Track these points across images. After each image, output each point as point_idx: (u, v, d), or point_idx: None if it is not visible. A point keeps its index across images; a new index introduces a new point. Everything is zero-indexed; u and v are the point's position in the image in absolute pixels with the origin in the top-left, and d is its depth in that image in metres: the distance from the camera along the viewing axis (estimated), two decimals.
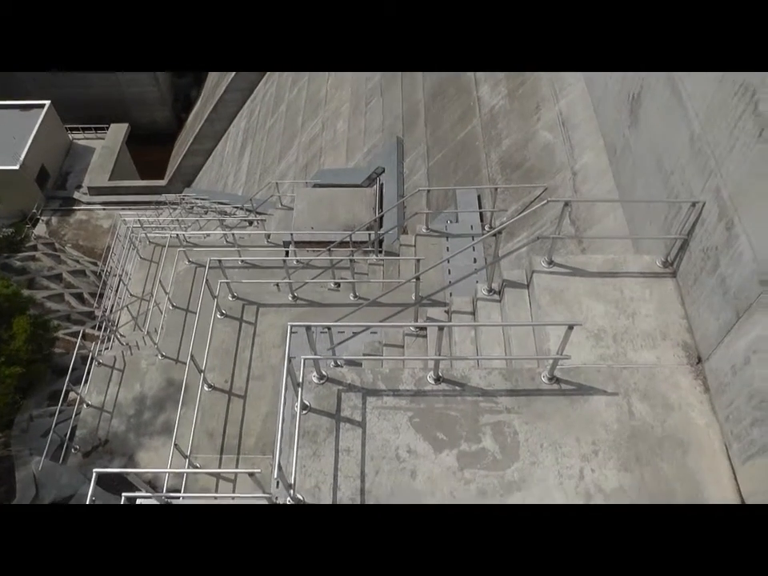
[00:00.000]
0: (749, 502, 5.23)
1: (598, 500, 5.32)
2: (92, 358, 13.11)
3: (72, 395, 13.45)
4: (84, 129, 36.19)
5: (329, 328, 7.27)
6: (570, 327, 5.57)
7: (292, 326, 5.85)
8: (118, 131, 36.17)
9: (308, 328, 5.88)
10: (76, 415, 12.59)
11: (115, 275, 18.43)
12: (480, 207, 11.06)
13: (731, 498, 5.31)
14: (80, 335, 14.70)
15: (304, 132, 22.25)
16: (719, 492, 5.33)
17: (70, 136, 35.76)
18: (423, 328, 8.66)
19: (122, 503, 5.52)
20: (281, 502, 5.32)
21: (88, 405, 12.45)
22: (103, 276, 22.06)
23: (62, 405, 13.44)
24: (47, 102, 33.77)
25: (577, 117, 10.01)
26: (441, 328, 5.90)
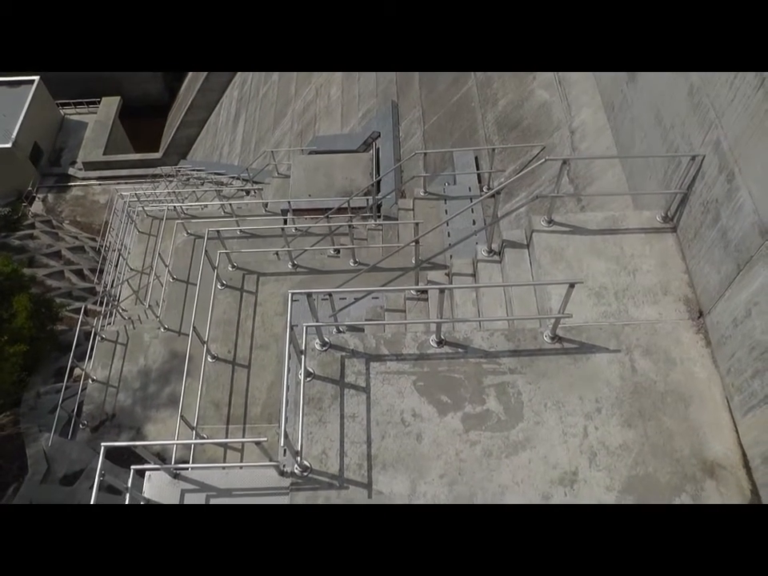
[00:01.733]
0: (749, 452, 5.28)
1: (602, 456, 5.36)
2: (95, 334, 13.16)
3: (77, 371, 13.52)
4: (75, 104, 35.79)
5: (330, 294, 7.28)
6: (572, 285, 5.56)
7: (293, 294, 5.85)
8: (110, 105, 35.79)
9: (309, 295, 5.88)
10: (82, 391, 12.68)
11: (114, 250, 18.39)
12: (477, 168, 10.97)
13: (733, 449, 5.35)
14: (82, 311, 14.73)
15: (298, 99, 22.01)
16: (721, 444, 5.38)
17: (62, 111, 35.38)
18: (424, 291, 8.65)
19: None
20: (288, 470, 5.37)
21: (93, 380, 12.52)
22: (102, 251, 22.00)
23: (67, 381, 13.52)
24: (36, 78, 33.32)
25: (573, 74, 9.87)
26: (442, 291, 5.89)
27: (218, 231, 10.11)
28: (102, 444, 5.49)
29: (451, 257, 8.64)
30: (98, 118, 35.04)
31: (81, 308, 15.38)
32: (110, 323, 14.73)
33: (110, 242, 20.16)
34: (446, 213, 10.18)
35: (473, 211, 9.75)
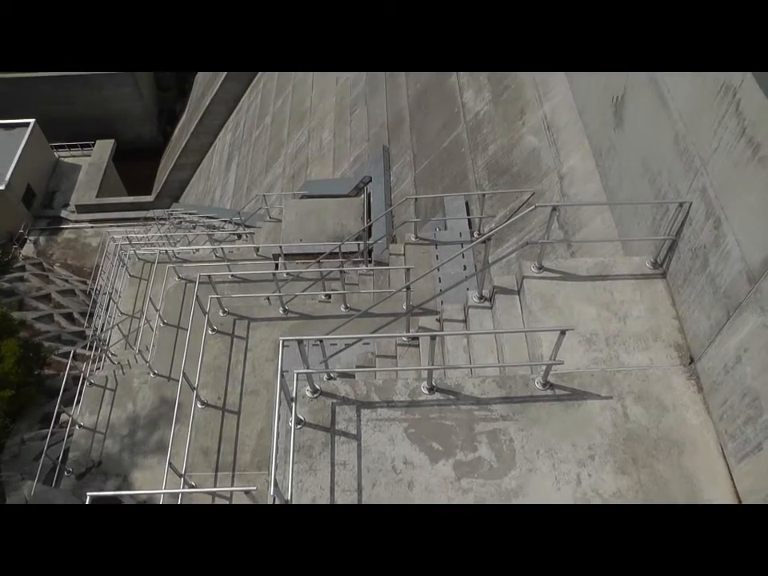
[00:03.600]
0: (745, 500, 5.23)
1: (596, 503, 5.30)
2: (83, 379, 13.02)
3: (64, 417, 13.36)
4: (70, 146, 36.05)
5: (321, 341, 7.26)
6: (563, 332, 5.56)
7: (284, 341, 5.82)
8: (104, 148, 36.06)
9: (300, 342, 5.85)
10: (68, 437, 12.49)
11: (105, 293, 18.33)
12: (468, 214, 11.06)
13: (728, 497, 5.30)
14: (71, 356, 14.60)
15: (290, 143, 22.26)
16: (716, 491, 5.33)
17: (56, 154, 35.61)
18: (415, 338, 8.63)
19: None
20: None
21: (80, 426, 12.34)
22: (93, 295, 21.93)
23: (53, 427, 13.33)
24: (32, 121, 33.62)
25: (561, 120, 10.04)
26: (433, 337, 5.88)
27: (209, 276, 10.11)
28: (88, 493, 5.41)
29: (442, 302, 8.65)
30: (92, 160, 35.26)
31: (70, 352, 15.26)
32: (98, 368, 14.60)
33: (100, 286, 20.10)
34: (437, 258, 10.22)
35: (463, 257, 9.79)
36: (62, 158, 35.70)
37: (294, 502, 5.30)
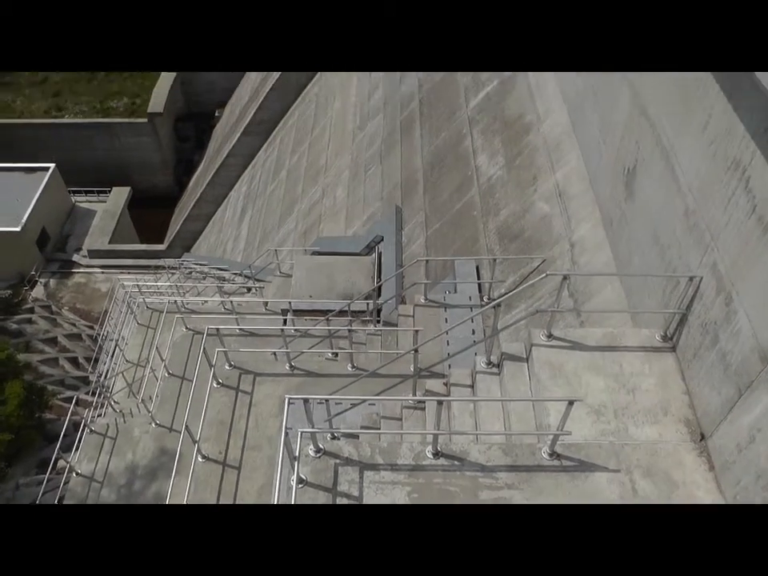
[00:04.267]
0: None
1: None
2: (84, 425, 12.92)
3: (62, 463, 13.21)
4: (87, 192, 36.68)
5: (326, 400, 7.21)
6: (571, 403, 5.51)
7: (290, 399, 5.79)
8: (119, 195, 36.64)
9: (306, 401, 5.82)
10: (64, 484, 12.33)
11: (111, 340, 18.34)
12: (478, 278, 11.11)
13: None
14: (73, 401, 14.54)
15: (304, 199, 22.56)
16: None
17: (73, 199, 36.20)
18: (422, 401, 8.56)
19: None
20: None
21: (78, 473, 12.19)
22: (99, 340, 21.93)
23: (50, 473, 13.18)
24: (52, 165, 34.31)
25: (573, 188, 10.16)
26: (440, 402, 5.84)
27: (217, 329, 10.12)
28: None
29: (450, 366, 8.61)
30: (107, 207, 35.79)
31: (72, 398, 15.20)
32: (100, 415, 14.51)
33: (107, 332, 20.13)
34: (446, 321, 10.22)
35: (473, 321, 9.79)
36: (78, 203, 36.27)
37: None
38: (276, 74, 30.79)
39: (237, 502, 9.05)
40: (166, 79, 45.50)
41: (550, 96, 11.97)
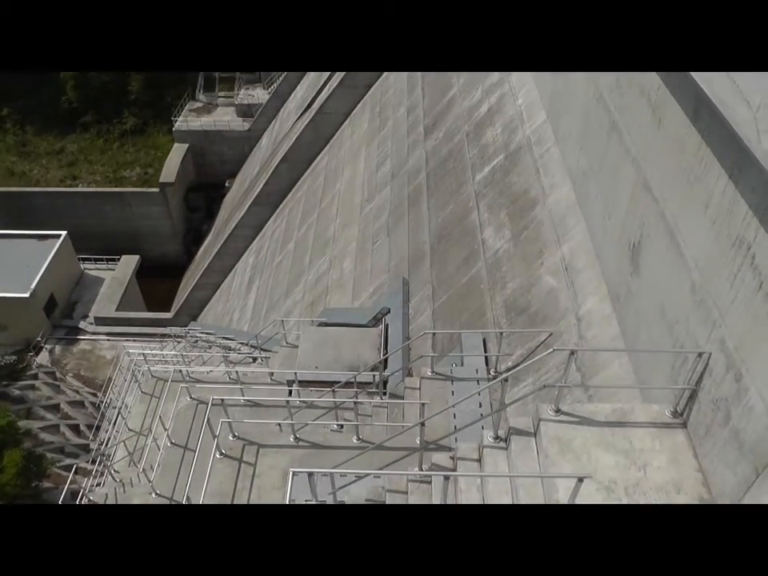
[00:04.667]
0: None
1: None
2: (82, 495, 12.69)
3: None
4: (96, 260, 37.12)
5: (331, 473, 7.10)
6: (580, 480, 5.42)
7: (294, 472, 5.71)
8: (128, 263, 37.05)
9: (310, 474, 5.73)
10: None
11: (114, 408, 18.20)
12: (485, 351, 11.08)
13: None
14: (72, 470, 14.33)
15: (311, 270, 22.76)
16: None
17: (82, 266, 36.60)
18: (428, 475, 8.42)
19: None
20: None
21: None
22: (102, 408, 21.78)
23: None
24: (63, 233, 34.84)
25: (579, 262, 10.24)
26: (446, 477, 5.74)
27: (222, 399, 10.05)
28: None
29: (456, 440, 8.50)
30: (116, 274, 36.13)
31: (71, 466, 14.97)
32: (99, 484, 14.27)
33: (110, 399, 20.01)
34: (453, 394, 10.15)
35: (480, 395, 9.73)
36: (87, 271, 36.65)
37: None
38: (285, 146, 31.57)
39: None
40: (178, 150, 46.67)
41: (554, 171, 12.21)
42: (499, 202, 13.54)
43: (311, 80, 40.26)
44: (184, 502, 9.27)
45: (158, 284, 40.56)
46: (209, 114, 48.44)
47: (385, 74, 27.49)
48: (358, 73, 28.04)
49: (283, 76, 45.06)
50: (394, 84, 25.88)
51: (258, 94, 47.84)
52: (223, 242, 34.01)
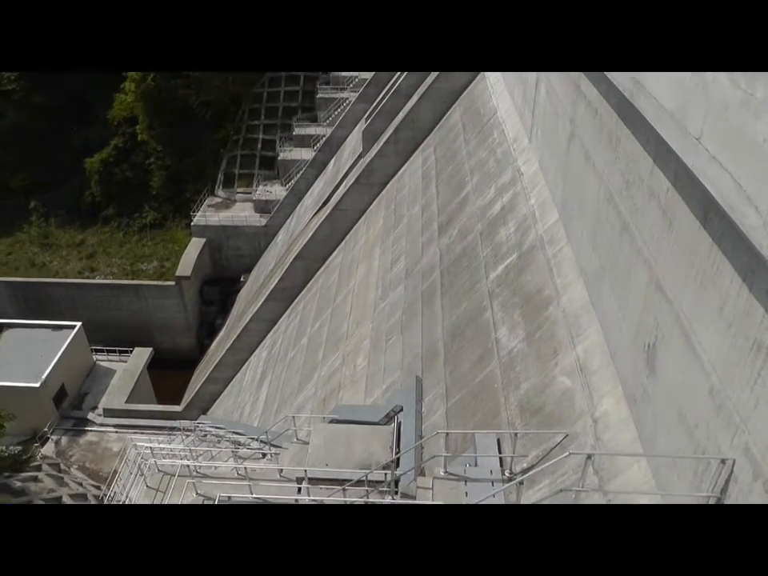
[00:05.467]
0: None
1: None
2: None
3: None
4: (108, 351, 37.27)
5: None
6: None
7: None
8: (140, 355, 37.13)
9: None
10: None
11: (118, 501, 17.76)
12: (499, 451, 10.86)
13: None
14: None
15: (324, 366, 22.68)
16: None
17: (95, 357, 36.71)
18: None
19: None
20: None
21: None
22: (105, 501, 21.25)
23: None
24: (78, 324, 35.17)
25: (594, 363, 10.17)
26: None
27: (228, 497, 9.82)
28: None
29: None
30: (127, 366, 36.16)
31: None
32: None
33: (114, 493, 19.55)
34: (467, 495, 9.88)
35: (494, 496, 9.46)
36: (99, 362, 36.75)
37: None
38: (301, 242, 32.15)
39: None
40: (196, 244, 47.65)
41: (567, 271, 12.32)
42: (513, 301, 13.61)
43: (328, 176, 41.51)
44: None
45: (169, 376, 40.46)
46: (227, 210, 49.69)
47: (400, 172, 28.29)
48: (375, 170, 28.87)
49: (301, 173, 46.47)
50: (408, 182, 26.59)
51: (276, 191, 49.16)
52: (236, 337, 34.12)
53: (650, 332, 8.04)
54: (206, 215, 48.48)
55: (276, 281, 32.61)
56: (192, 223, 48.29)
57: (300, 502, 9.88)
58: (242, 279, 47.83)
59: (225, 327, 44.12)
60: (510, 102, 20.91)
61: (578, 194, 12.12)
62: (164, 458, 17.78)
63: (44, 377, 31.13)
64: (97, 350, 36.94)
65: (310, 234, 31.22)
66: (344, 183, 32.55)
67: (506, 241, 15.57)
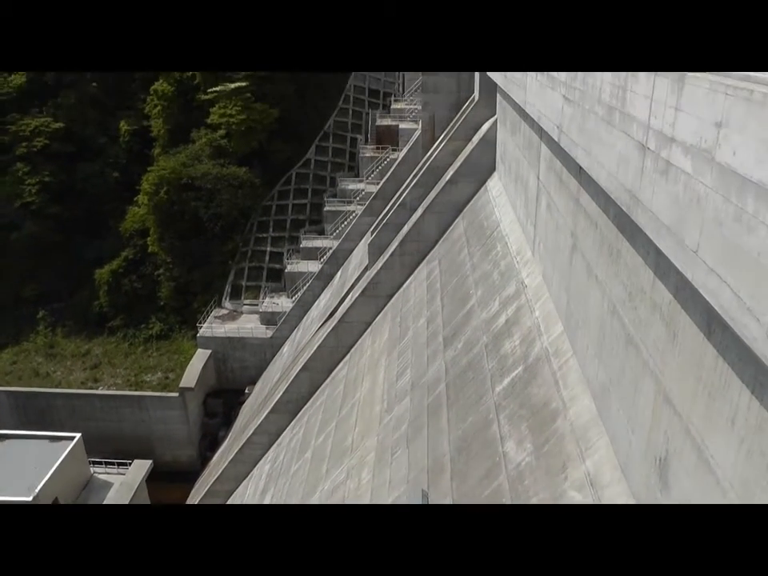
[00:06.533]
0: None
1: None
2: None
3: None
4: (107, 463, 36.55)
5: None
6: None
7: None
8: (139, 468, 36.37)
9: None
10: None
11: None
12: None
13: None
14: None
15: (328, 479, 22.16)
16: None
17: (92, 469, 35.95)
18: None
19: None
20: None
21: None
22: None
23: None
24: (77, 436, 34.68)
25: (605, 477, 9.94)
26: None
27: None
28: None
29: None
30: (126, 479, 35.36)
31: None
32: None
33: None
34: None
35: None
36: (97, 474, 35.95)
37: None
38: (306, 354, 32.14)
39: None
40: (200, 356, 47.69)
41: (574, 383, 12.26)
42: (519, 414, 13.46)
43: (334, 289, 42.04)
44: None
45: (169, 489, 39.42)
46: (233, 321, 50.03)
47: (405, 284, 28.68)
48: (380, 282, 29.27)
49: (307, 285, 47.12)
50: (414, 294, 26.91)
51: (283, 302, 49.66)
52: (239, 449, 33.52)
53: (661, 446, 7.92)
54: (212, 327, 48.79)
55: (280, 393, 32.38)
56: (198, 335, 48.53)
57: None
58: (246, 391, 47.47)
59: (227, 440, 43.40)
60: (512, 215, 21.48)
61: (582, 306, 12.25)
62: None
63: (37, 491, 30.35)
64: (95, 462, 36.22)
65: (316, 346, 31.30)
66: (350, 295, 32.96)
67: (511, 353, 15.59)
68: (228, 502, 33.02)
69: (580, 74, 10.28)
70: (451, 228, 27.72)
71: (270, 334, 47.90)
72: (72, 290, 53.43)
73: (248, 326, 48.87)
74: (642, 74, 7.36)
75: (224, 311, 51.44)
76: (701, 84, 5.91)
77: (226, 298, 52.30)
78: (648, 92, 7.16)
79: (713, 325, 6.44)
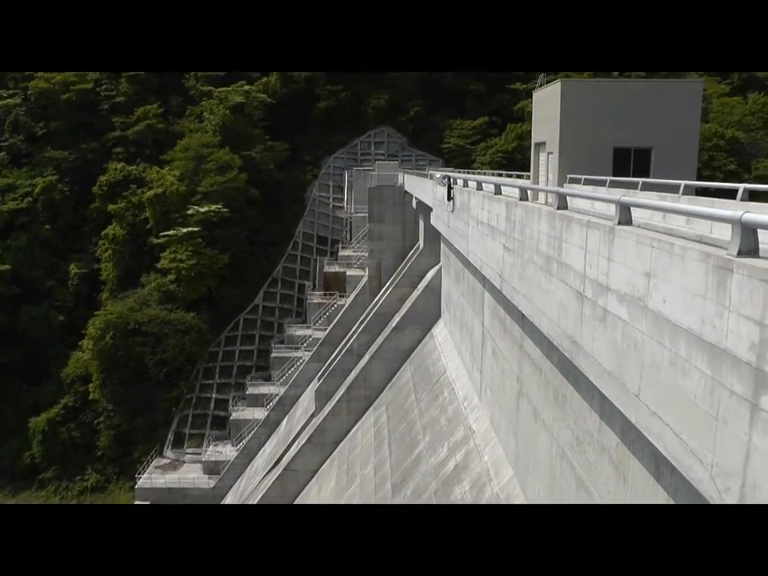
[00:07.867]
0: None
1: None
2: None
3: None
4: None
5: None
6: None
7: None
8: None
9: None
10: None
11: None
12: None
13: None
14: None
15: None
16: None
17: None
18: None
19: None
20: None
21: None
22: None
23: None
24: None
25: None
26: None
27: None
28: None
29: None
30: None
31: None
32: None
33: None
34: None
35: None
36: None
37: None
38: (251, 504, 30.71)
39: None
40: None
41: None
42: None
43: (280, 436, 40.97)
44: None
45: None
46: (174, 471, 47.83)
47: (352, 431, 28.23)
48: (327, 429, 28.75)
49: (252, 432, 45.79)
50: (361, 441, 26.45)
51: (227, 451, 47.94)
52: None
53: None
54: (151, 477, 46.46)
55: None
56: (137, 486, 46.06)
57: None
58: None
59: None
60: (458, 361, 21.77)
61: (531, 451, 12.23)
62: None
63: None
64: None
65: (259, 496, 30.03)
66: (296, 443, 32.16)
67: (461, 499, 15.26)
68: None
69: (518, 224, 10.91)
70: (398, 374, 27.83)
71: (212, 484, 45.81)
72: (1, 440, 50.64)
73: (190, 475, 46.71)
74: (575, 226, 7.88)
75: (165, 460, 49.26)
76: (629, 237, 6.36)
77: (168, 447, 50.26)
78: (582, 243, 7.63)
79: (661, 467, 6.53)
